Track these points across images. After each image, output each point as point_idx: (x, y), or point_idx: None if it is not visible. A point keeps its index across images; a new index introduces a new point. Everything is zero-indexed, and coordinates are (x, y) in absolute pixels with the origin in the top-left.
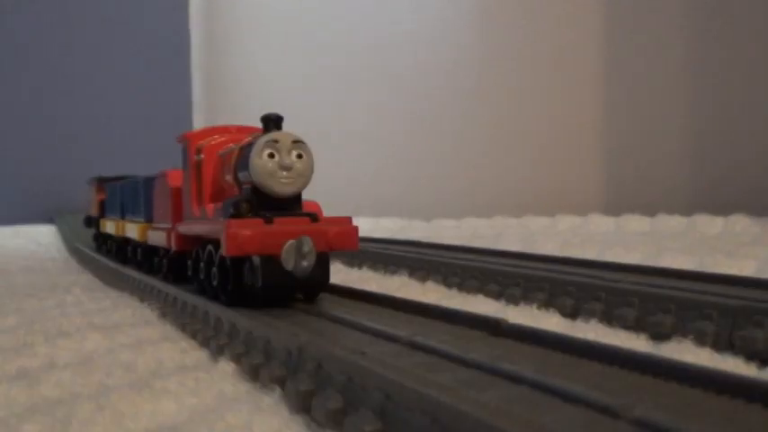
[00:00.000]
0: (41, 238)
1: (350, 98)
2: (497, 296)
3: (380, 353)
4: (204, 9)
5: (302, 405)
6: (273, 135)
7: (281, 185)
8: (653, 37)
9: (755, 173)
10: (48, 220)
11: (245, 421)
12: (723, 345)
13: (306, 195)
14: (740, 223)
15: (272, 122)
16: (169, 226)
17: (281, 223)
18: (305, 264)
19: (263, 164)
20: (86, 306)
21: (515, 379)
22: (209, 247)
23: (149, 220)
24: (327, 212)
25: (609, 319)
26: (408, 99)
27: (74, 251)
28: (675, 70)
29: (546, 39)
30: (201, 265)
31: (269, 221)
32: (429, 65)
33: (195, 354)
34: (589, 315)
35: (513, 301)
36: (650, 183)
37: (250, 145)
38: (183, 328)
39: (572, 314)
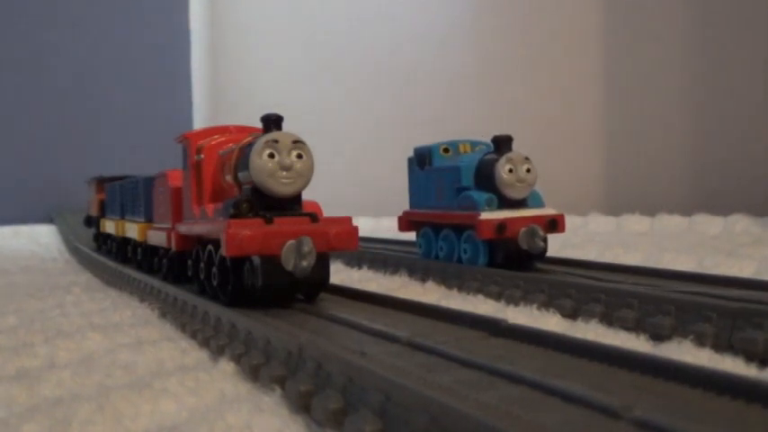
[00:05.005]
0: (41, 238)
1: (350, 98)
2: (497, 297)
3: (380, 353)
4: (205, 9)
5: (302, 405)
6: (273, 135)
7: (281, 185)
8: (653, 36)
9: (755, 173)
10: (48, 220)
11: (245, 421)
12: (723, 346)
13: (306, 195)
14: (740, 223)
15: (272, 122)
16: (169, 226)
17: (281, 223)
18: (305, 264)
19: (263, 164)
20: (86, 306)
21: (515, 379)
22: (210, 247)
23: (149, 220)
24: (327, 212)
25: (609, 320)
26: (409, 100)
27: (74, 251)
28: (675, 70)
29: (545, 39)
30: (202, 265)
31: (269, 221)
32: (430, 67)
33: (195, 354)
34: (589, 316)
35: (513, 301)
36: (650, 183)
37: (250, 145)
38: (182, 328)
39: (572, 315)
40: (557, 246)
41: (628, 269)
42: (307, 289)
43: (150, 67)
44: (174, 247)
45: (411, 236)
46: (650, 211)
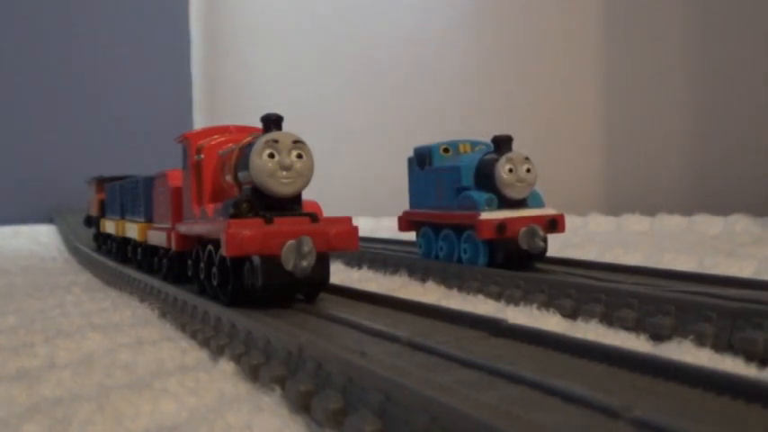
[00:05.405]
0: (41, 238)
1: (351, 98)
2: (497, 297)
3: (380, 353)
4: (204, 9)
5: (302, 405)
6: (273, 135)
7: (281, 185)
8: (653, 36)
9: (755, 173)
10: (48, 220)
11: (245, 421)
12: (723, 346)
13: (306, 195)
14: (740, 223)
15: (273, 122)
16: (169, 226)
17: (281, 223)
18: (305, 264)
19: (263, 164)
20: (86, 306)
21: (515, 379)
22: (210, 247)
23: (149, 220)
24: (327, 212)
25: (609, 320)
26: (410, 99)
27: (74, 251)
28: (675, 70)
29: (545, 39)
30: (202, 265)
31: (269, 221)
32: (430, 67)
33: (195, 354)
34: (589, 316)
35: (513, 301)
36: (650, 183)
37: (250, 145)
38: (182, 328)
39: (572, 315)
40: (557, 246)
41: (628, 269)
42: (307, 289)
43: (150, 67)
44: (174, 247)
45: (411, 236)
46: (650, 211)
